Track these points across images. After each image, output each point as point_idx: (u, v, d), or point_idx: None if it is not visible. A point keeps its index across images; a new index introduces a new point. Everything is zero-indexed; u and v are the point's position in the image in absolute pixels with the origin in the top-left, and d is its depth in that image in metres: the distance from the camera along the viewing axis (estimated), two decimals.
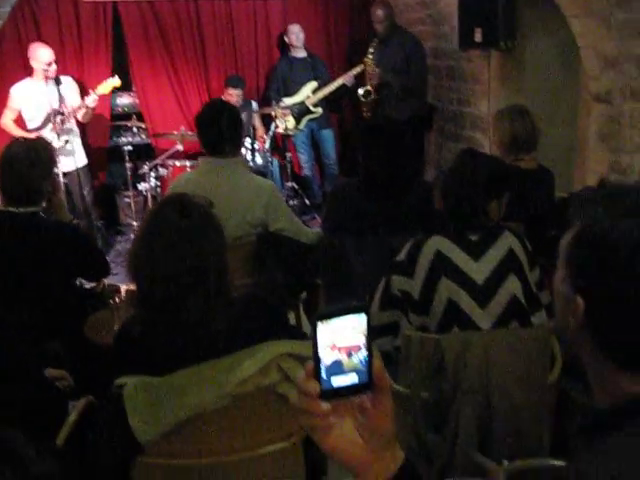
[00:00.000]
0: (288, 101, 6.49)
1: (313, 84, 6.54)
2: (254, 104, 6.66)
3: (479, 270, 2.33)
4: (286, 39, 6.70)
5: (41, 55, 5.39)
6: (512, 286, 2.34)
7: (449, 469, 2.28)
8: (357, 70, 6.26)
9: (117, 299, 2.90)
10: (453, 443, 2.24)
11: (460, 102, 6.32)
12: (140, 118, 6.59)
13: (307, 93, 6.53)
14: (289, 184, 6.54)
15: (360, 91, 6.11)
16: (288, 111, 6.40)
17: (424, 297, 2.34)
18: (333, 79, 6.50)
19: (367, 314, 0.90)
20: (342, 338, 0.90)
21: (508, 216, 2.67)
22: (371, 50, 6.10)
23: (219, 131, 3.25)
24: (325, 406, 0.90)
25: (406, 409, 2.35)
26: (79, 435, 2.35)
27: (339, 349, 0.90)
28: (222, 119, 3.27)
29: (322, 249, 3.29)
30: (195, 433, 2.04)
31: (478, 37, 5.37)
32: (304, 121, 6.57)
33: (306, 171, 6.89)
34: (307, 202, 6.76)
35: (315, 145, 6.88)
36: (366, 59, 6.13)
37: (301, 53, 6.69)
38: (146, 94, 6.78)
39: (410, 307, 2.39)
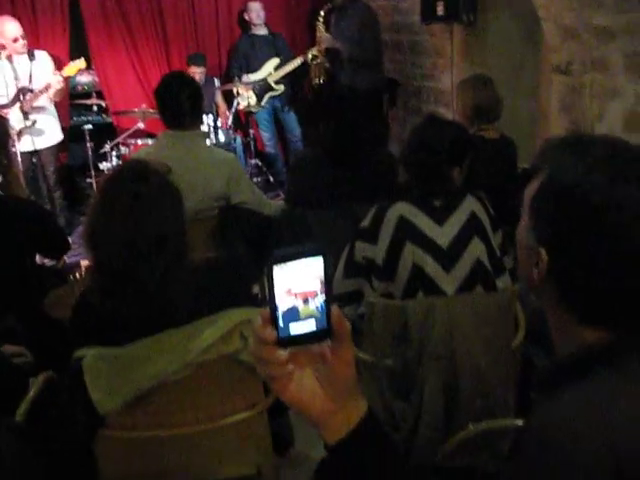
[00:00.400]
0: (250, 78, 6.43)
1: (275, 61, 6.49)
2: (216, 81, 6.59)
3: (443, 234, 2.32)
4: (246, 17, 6.64)
5: (6, 31, 5.21)
6: (476, 249, 2.34)
7: (415, 436, 2.28)
8: (314, 52, 6.22)
9: (77, 274, 2.85)
10: (419, 409, 2.24)
11: (423, 77, 6.31)
12: (100, 96, 6.48)
13: (269, 70, 6.48)
14: (253, 161, 6.49)
15: (309, 54, 6.09)
16: (250, 88, 6.34)
17: (388, 263, 2.33)
18: (295, 56, 6.44)
19: (324, 257, 0.87)
20: (298, 283, 0.87)
21: (471, 185, 2.67)
22: (322, 14, 6.09)
23: (179, 103, 3.20)
24: (282, 354, 0.87)
25: (371, 377, 2.34)
26: (40, 411, 2.31)
27: (295, 294, 0.87)
28: (182, 91, 3.22)
29: (284, 221, 3.26)
30: (157, 404, 2.01)
31: (440, 11, 5.36)
32: (266, 98, 6.51)
33: (269, 148, 6.84)
34: (271, 179, 6.71)
35: (278, 122, 6.83)
36: (317, 22, 6.11)
37: (262, 30, 6.63)
38: (106, 72, 6.65)
39: (374, 274, 2.37)
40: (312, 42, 6.70)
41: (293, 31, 7.27)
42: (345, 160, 3.10)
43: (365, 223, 2.41)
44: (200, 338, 1.87)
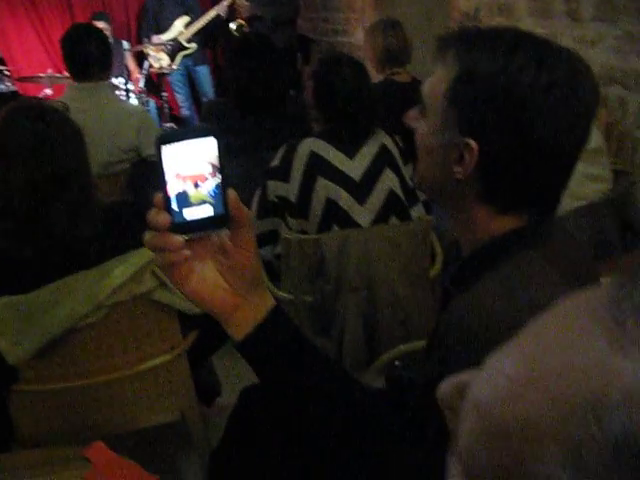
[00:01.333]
0: (161, 38, 6.27)
1: (185, 19, 6.34)
2: (125, 44, 6.39)
3: (355, 167, 2.31)
4: None
5: None
6: (388, 180, 2.34)
7: None
8: (229, 1, 6.10)
9: None
10: (340, 342, 2.25)
11: (336, 33, 6.30)
12: (2, 63, 6.20)
13: (180, 28, 6.33)
14: (168, 125, 6.35)
15: (232, 25, 5.98)
16: (161, 48, 6.19)
17: (302, 199, 2.31)
18: (205, 12, 6.31)
19: (217, 139, 0.84)
20: (190, 166, 0.84)
21: (385, 128, 2.67)
22: None
23: (86, 53, 3.10)
24: (177, 239, 0.84)
25: (290, 314, 2.33)
26: None
27: (188, 178, 0.84)
28: (90, 40, 3.13)
29: None
30: (72, 353, 1.96)
31: None
32: (178, 58, 6.37)
33: (185, 110, 6.71)
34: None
35: (192, 83, 6.69)
36: None
37: None
38: (6, 36, 6.37)
39: (288, 212, 2.36)
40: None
41: None
42: (257, 108, 3.05)
43: (275, 162, 2.39)
44: (110, 277, 1.82)
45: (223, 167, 0.85)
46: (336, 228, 2.28)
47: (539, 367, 0.35)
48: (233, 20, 6.03)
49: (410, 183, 2.42)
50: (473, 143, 1.03)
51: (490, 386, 0.37)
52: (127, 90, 5.79)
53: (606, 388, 0.31)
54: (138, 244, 1.89)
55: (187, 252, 0.85)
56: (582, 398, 0.31)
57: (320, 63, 2.46)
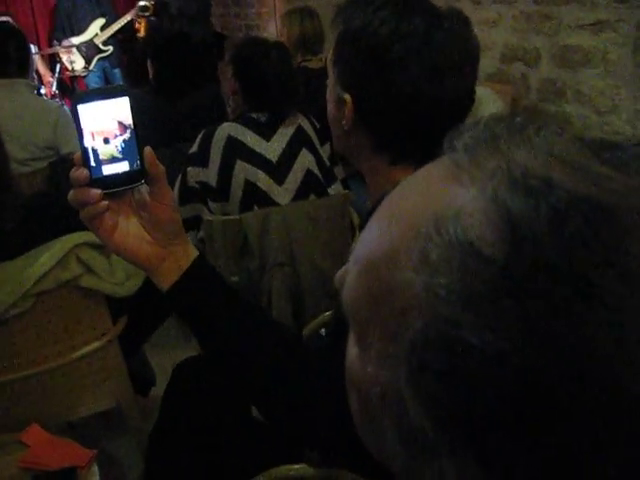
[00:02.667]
0: (75, 40, 6.19)
1: (101, 21, 6.27)
2: (33, 47, 6.27)
3: (272, 149, 2.38)
4: None
5: None
6: (305, 160, 2.42)
7: None
8: (143, 4, 6.07)
9: None
10: None
11: (249, 28, 6.35)
12: None
13: (95, 31, 6.26)
14: None
15: (141, 3, 5.97)
16: (74, 50, 6.11)
17: (222, 183, 2.36)
18: (121, 15, 6.27)
19: (129, 97, 0.90)
20: (105, 124, 0.90)
21: (302, 112, 2.74)
22: None
23: (5, 51, 3.11)
24: (95, 191, 0.90)
25: None
26: None
27: (103, 135, 0.90)
28: (8, 39, 3.15)
29: None
30: (1, 347, 1.97)
31: None
32: (95, 61, 6.31)
33: None
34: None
35: None
36: None
37: None
38: None
39: (209, 196, 2.40)
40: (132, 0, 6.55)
41: None
42: (171, 98, 3.10)
43: (194, 149, 2.43)
44: (36, 265, 1.84)
45: (136, 125, 0.91)
46: (257, 209, 2.35)
47: (396, 208, 0.45)
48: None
49: (327, 162, 2.51)
50: (347, 96, 1.13)
51: (365, 228, 0.47)
52: (40, 95, 5.71)
53: (445, 208, 0.40)
54: (60, 233, 1.93)
55: (104, 203, 0.91)
56: (427, 218, 0.40)
57: (243, 47, 2.50)
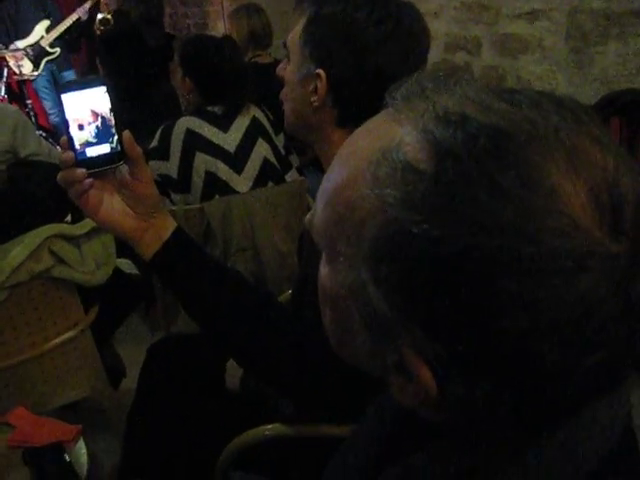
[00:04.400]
0: (21, 44, 6.16)
1: (46, 23, 6.23)
2: None
3: (229, 140, 2.48)
4: None
5: None
6: (262, 149, 2.53)
7: None
8: (90, 3, 6.07)
9: None
10: None
11: (196, 27, 6.40)
12: None
13: (41, 33, 6.23)
14: (37, 132, 6.25)
15: (99, 16, 5.97)
16: (21, 54, 6.09)
17: (183, 175, 2.45)
18: (65, 17, 6.25)
19: (106, 86, 1.01)
20: (87, 110, 1.01)
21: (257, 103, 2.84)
22: None
23: None
24: (80, 171, 1.01)
25: None
26: None
27: (86, 121, 1.01)
28: None
29: None
30: None
31: None
32: (42, 64, 6.28)
33: (54, 117, 6.60)
34: (58, 149, 6.51)
35: None
36: None
37: None
38: None
39: (171, 188, 2.49)
40: (77, 0, 6.54)
41: None
42: (129, 96, 3.17)
43: (154, 143, 2.51)
44: (9, 258, 1.91)
45: (115, 111, 1.02)
46: (218, 197, 2.44)
47: (352, 147, 0.58)
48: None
49: (282, 151, 2.62)
50: (322, 72, 1.24)
51: (328, 170, 0.60)
52: None
53: (389, 141, 0.53)
54: (29, 227, 2.00)
55: (88, 180, 1.03)
56: (376, 150, 0.53)
57: (192, 45, 2.60)
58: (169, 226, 1.13)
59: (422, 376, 0.53)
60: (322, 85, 1.25)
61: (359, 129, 0.60)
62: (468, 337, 0.49)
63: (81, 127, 1.00)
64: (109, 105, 1.02)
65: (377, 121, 0.58)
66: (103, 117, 1.01)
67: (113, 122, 1.02)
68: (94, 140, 1.02)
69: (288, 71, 1.32)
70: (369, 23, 1.20)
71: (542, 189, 0.47)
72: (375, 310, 0.53)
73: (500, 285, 0.47)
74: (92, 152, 1.02)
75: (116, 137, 1.03)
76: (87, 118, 1.01)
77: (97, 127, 1.01)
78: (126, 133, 1.04)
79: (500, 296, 0.47)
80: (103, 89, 1.01)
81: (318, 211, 0.60)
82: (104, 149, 1.03)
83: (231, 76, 2.50)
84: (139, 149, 1.06)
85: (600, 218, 0.47)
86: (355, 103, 1.25)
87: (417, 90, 0.56)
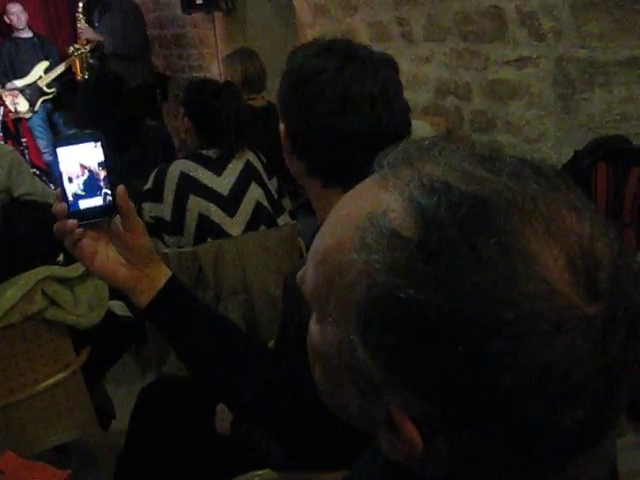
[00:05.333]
0: (19, 83, 6.24)
1: (45, 64, 6.33)
2: None
3: (223, 183, 2.52)
4: (7, 20, 6.41)
5: None
6: (255, 193, 2.56)
7: None
8: (90, 45, 6.16)
9: None
10: None
11: (191, 68, 6.49)
12: None
13: (39, 73, 6.32)
14: (32, 170, 6.29)
15: (70, 48, 6.06)
16: (17, 93, 6.16)
17: (176, 217, 2.48)
18: (63, 59, 6.34)
19: (101, 142, 1.04)
20: (76, 164, 1.04)
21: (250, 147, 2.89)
22: (80, 5, 6.09)
23: None
24: (71, 222, 1.04)
25: None
26: None
27: (80, 174, 1.04)
28: None
29: None
30: None
31: (200, 0, 5.56)
32: (39, 103, 6.36)
33: (47, 156, 6.65)
34: (52, 188, 6.54)
35: (54, 128, 6.67)
36: (77, 14, 6.11)
37: (26, 33, 6.42)
38: None
39: (164, 230, 2.51)
40: (76, 40, 6.63)
41: (55, 32, 7.13)
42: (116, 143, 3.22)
43: (148, 185, 2.55)
44: (2, 299, 1.93)
45: (109, 165, 1.05)
46: (210, 240, 2.47)
47: (340, 213, 0.61)
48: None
49: (275, 195, 2.66)
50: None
51: (318, 232, 0.63)
52: None
53: (376, 208, 0.56)
54: (22, 268, 2.02)
55: (79, 230, 1.06)
56: (364, 217, 0.56)
57: (194, 87, 2.65)
58: (163, 275, 1.15)
59: (408, 432, 0.55)
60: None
61: (348, 193, 0.63)
62: (452, 397, 0.52)
63: (70, 180, 1.03)
64: (100, 159, 1.04)
65: (365, 187, 0.61)
66: (91, 171, 1.04)
67: (102, 176, 1.05)
68: (83, 193, 1.04)
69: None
70: (311, 75, 1.23)
71: (521, 256, 0.50)
72: (363, 370, 0.56)
73: (482, 348, 0.49)
74: (84, 204, 1.04)
75: (105, 191, 1.05)
76: (76, 171, 1.04)
77: (85, 180, 1.04)
78: (120, 188, 1.06)
79: (483, 358, 0.50)
80: (96, 144, 1.04)
81: (309, 270, 0.63)
82: (96, 202, 1.05)
83: (231, 121, 2.55)
84: (131, 204, 1.09)
85: (577, 282, 0.50)
86: (312, 156, 1.28)
87: (404, 158, 0.60)
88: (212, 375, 1.20)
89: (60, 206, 1.03)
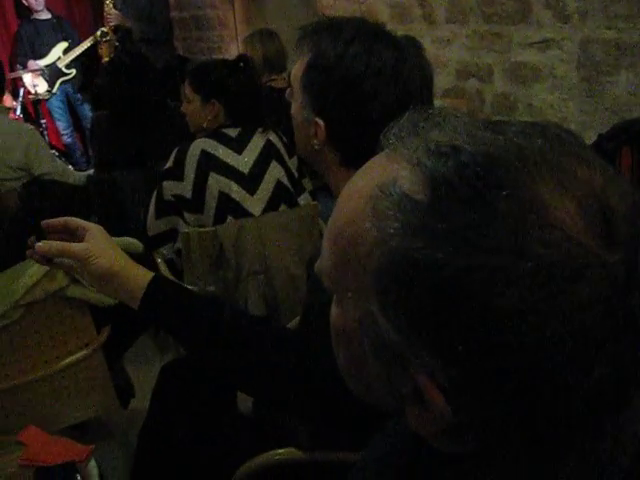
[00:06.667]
0: (38, 63, 6.24)
1: (64, 45, 6.34)
2: None
3: (243, 161, 2.50)
4: (25, 1, 6.40)
5: None
6: (276, 172, 2.55)
7: None
8: (103, 29, 6.14)
9: None
10: None
11: (210, 50, 6.45)
12: None
13: (58, 54, 6.32)
14: (51, 152, 6.31)
15: (97, 32, 6.04)
16: (37, 74, 6.16)
17: (196, 195, 2.47)
18: (82, 40, 6.33)
19: None
20: None
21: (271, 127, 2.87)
22: None
23: None
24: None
25: None
26: None
27: None
28: None
29: (92, 186, 3.29)
30: None
31: None
32: (57, 84, 6.36)
33: (66, 138, 6.67)
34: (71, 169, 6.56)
35: (72, 110, 6.68)
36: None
37: (45, 15, 6.42)
38: None
39: (185, 208, 2.50)
40: (95, 23, 6.62)
41: (74, 13, 7.12)
42: (132, 124, 3.22)
43: (169, 164, 2.54)
44: (25, 277, 1.93)
45: None
46: (231, 219, 2.46)
47: (351, 189, 0.62)
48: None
49: (296, 174, 2.64)
50: (321, 122, 1.27)
51: (332, 213, 0.64)
52: None
53: (385, 178, 0.56)
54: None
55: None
56: (374, 188, 0.56)
57: (214, 69, 2.65)
58: (145, 277, 1.18)
59: (436, 401, 0.54)
60: (320, 133, 1.27)
61: (357, 172, 0.64)
62: (476, 357, 0.51)
63: None
64: None
65: (373, 162, 0.63)
66: None
67: None
68: None
69: (293, 106, 1.35)
70: (367, 73, 1.22)
71: (532, 206, 0.50)
72: (385, 340, 0.55)
73: (502, 302, 0.49)
74: None
75: None
76: None
77: None
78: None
79: (503, 312, 0.49)
80: None
81: (324, 252, 0.63)
82: None
83: (252, 97, 2.54)
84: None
85: (592, 230, 0.50)
86: (355, 148, 1.27)
87: (409, 128, 0.61)
88: (218, 362, 1.22)
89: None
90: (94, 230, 1.18)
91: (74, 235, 1.19)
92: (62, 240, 1.17)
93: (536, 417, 0.52)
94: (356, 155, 1.25)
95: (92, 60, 6.39)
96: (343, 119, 1.26)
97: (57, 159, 3.50)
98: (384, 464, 0.78)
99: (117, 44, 5.88)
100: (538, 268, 0.48)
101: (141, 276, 1.17)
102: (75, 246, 1.15)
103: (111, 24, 5.96)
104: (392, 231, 0.53)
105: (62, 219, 1.20)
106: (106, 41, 5.96)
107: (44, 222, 1.18)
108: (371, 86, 1.22)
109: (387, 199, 0.54)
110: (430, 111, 0.62)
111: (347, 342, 0.62)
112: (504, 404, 0.52)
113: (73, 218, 1.20)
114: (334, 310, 0.63)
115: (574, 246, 0.49)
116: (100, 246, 1.15)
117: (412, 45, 1.29)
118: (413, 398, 0.56)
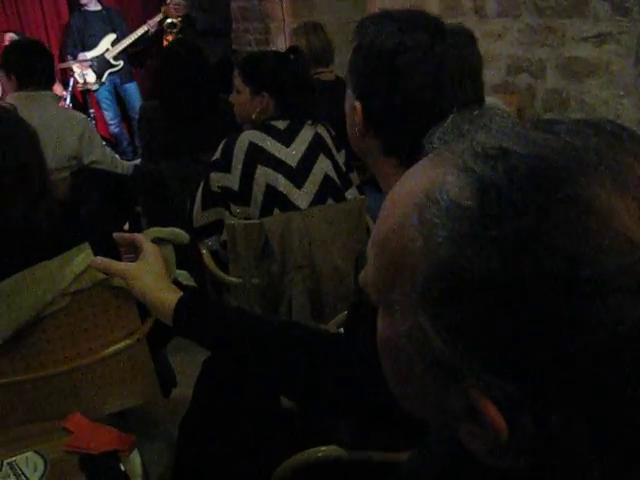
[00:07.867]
0: (86, 55, 6.32)
1: (112, 36, 6.41)
2: None
3: (291, 154, 2.49)
4: None
5: None
6: (323, 165, 2.53)
7: None
8: (159, 17, 6.18)
9: None
10: (289, 318, 2.41)
11: (258, 42, 6.46)
12: None
13: (106, 46, 6.39)
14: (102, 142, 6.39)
15: (168, 20, 6.06)
16: (87, 65, 6.24)
17: (243, 187, 2.47)
18: (131, 31, 6.39)
19: None
20: None
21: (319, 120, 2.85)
22: None
23: (36, 66, 3.24)
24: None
25: (241, 298, 2.49)
26: None
27: None
28: (40, 56, 3.33)
29: (139, 176, 3.32)
30: (35, 343, 2.04)
31: None
32: (105, 75, 6.43)
33: (113, 128, 6.75)
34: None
35: (120, 100, 6.75)
36: None
37: (94, 6, 6.49)
38: None
39: (231, 200, 2.50)
40: (144, 15, 6.66)
41: (124, 4, 7.18)
42: (186, 115, 3.22)
43: (217, 155, 2.54)
44: (73, 265, 1.93)
45: None
46: (277, 211, 2.45)
47: (397, 195, 0.58)
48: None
49: (343, 168, 2.62)
50: (358, 105, 1.24)
51: (377, 219, 0.60)
52: None
53: (431, 184, 0.53)
54: (90, 236, 2.03)
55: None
56: (420, 194, 0.53)
57: (266, 61, 2.64)
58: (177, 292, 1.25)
59: (491, 417, 0.51)
60: (358, 116, 1.25)
61: (401, 178, 0.60)
62: (534, 368, 0.48)
63: None
64: None
65: (418, 167, 0.59)
66: None
67: None
68: None
69: (346, 98, 1.33)
70: (399, 50, 1.19)
71: (591, 209, 0.46)
72: (436, 354, 0.52)
73: (562, 311, 0.46)
74: None
75: None
76: None
77: None
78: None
79: (563, 322, 0.46)
80: None
81: (369, 262, 0.59)
82: None
83: (303, 90, 2.53)
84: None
85: None
86: (393, 133, 1.25)
87: (454, 131, 0.60)
88: (256, 368, 1.24)
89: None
90: (148, 252, 1.31)
91: (138, 250, 1.34)
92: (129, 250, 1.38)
93: (599, 431, 0.49)
94: (396, 142, 1.25)
95: (142, 51, 6.44)
96: (376, 99, 1.23)
97: (107, 149, 3.54)
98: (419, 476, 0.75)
99: (180, 36, 5.90)
100: (600, 276, 0.45)
101: (169, 301, 1.24)
102: (117, 265, 1.33)
103: (179, 14, 5.98)
104: (440, 240, 0.50)
105: (129, 236, 1.41)
106: (173, 33, 5.97)
107: (116, 235, 1.40)
108: (403, 63, 1.20)
109: (434, 206, 0.51)
110: (475, 113, 0.60)
111: (394, 355, 0.59)
112: (565, 418, 0.49)
113: (139, 236, 1.36)
114: (380, 322, 0.60)
115: (638, 251, 0.45)
116: (142, 268, 1.28)
117: (464, 35, 1.26)
118: (466, 414, 0.53)
